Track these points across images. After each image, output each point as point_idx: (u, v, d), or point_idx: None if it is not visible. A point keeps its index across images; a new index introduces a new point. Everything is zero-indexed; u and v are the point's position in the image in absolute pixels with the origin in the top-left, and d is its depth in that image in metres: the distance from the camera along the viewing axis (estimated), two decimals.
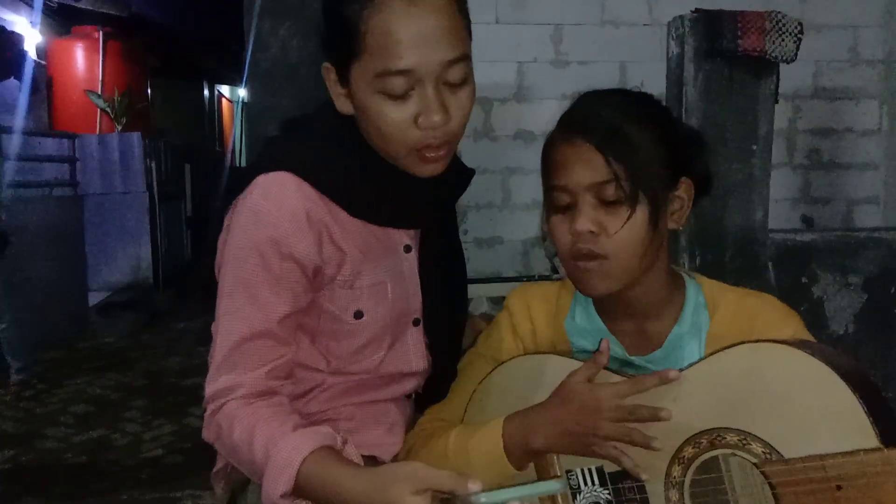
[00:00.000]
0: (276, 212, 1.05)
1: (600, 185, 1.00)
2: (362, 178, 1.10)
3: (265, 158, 1.14)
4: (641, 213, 1.01)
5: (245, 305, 1.07)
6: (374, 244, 1.14)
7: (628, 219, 1.00)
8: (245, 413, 1.04)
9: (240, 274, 1.07)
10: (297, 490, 0.97)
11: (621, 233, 1.01)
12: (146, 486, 2.86)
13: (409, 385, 1.23)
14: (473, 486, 0.84)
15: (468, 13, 1.06)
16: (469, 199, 3.99)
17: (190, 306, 6.01)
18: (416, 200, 1.14)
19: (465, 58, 1.03)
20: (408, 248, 1.19)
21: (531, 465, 1.06)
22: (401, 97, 1.00)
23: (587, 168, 1.01)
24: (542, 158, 1.09)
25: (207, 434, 1.09)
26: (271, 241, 1.05)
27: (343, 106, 1.08)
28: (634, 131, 1.01)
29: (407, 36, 0.97)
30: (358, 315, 1.14)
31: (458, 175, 1.23)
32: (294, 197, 1.06)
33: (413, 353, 1.21)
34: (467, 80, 1.04)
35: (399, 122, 1.02)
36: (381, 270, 1.15)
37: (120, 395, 4.07)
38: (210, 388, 1.08)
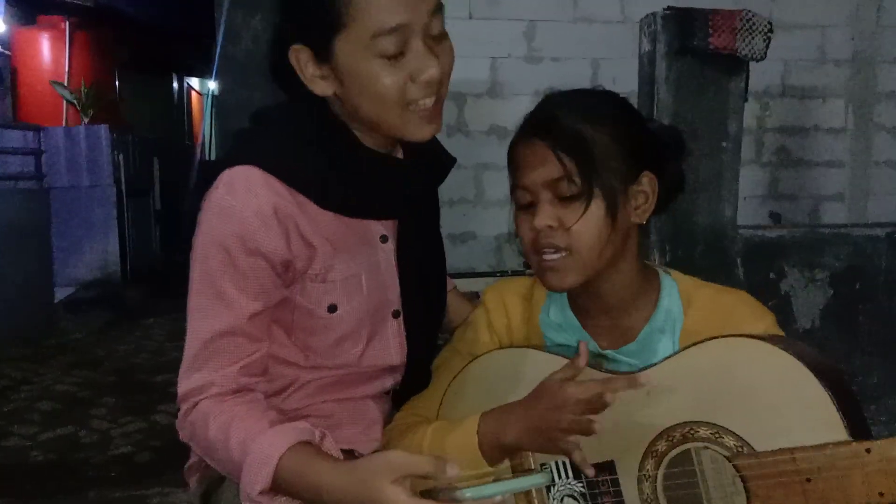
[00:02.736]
0: (242, 207, 1.03)
1: (555, 182, 1.04)
2: (334, 168, 1.09)
3: (232, 152, 1.12)
4: (597, 206, 1.04)
5: (213, 303, 1.05)
6: (347, 236, 1.12)
7: (584, 213, 1.03)
8: (219, 410, 1.03)
9: (207, 271, 1.05)
10: (276, 486, 0.96)
11: (578, 226, 1.04)
12: (115, 484, 2.82)
13: (389, 381, 1.22)
14: (451, 469, 0.85)
15: None
16: (442, 195, 3.98)
17: (159, 302, 5.93)
18: (392, 190, 1.13)
19: (443, 6, 1.04)
20: (384, 239, 1.17)
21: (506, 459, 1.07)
22: (394, 57, 1.00)
23: (542, 166, 1.04)
24: (507, 158, 1.12)
25: (182, 434, 1.08)
26: (237, 236, 1.03)
27: (321, 88, 1.06)
28: (588, 129, 1.04)
29: None
30: (331, 309, 1.12)
31: (438, 162, 1.22)
32: (260, 191, 1.04)
33: (393, 346, 1.20)
34: (445, 32, 1.06)
35: (396, 81, 1.01)
36: (354, 263, 1.13)
37: (88, 392, 4.00)
38: (182, 387, 1.06)
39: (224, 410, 1.03)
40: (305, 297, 1.12)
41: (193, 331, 1.06)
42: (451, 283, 1.39)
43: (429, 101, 1.04)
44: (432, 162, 1.12)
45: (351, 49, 1.01)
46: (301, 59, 1.05)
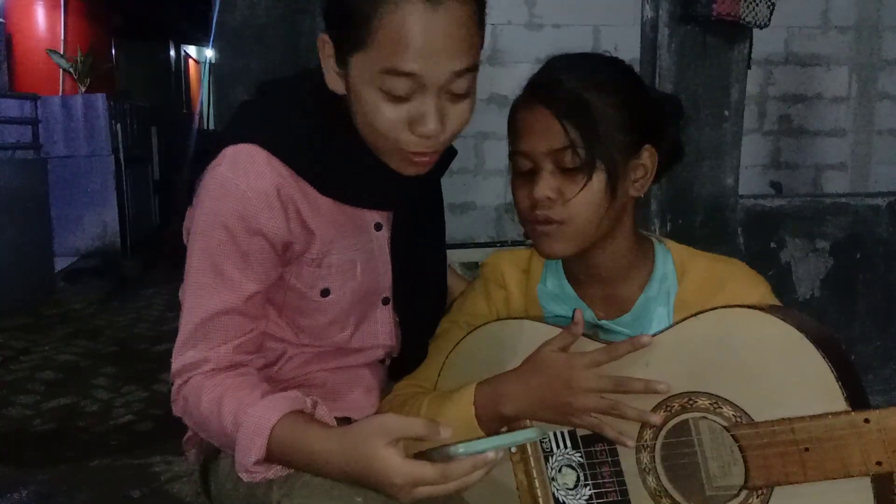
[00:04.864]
0: (245, 186, 1.02)
1: (558, 152, 1.01)
2: (337, 156, 1.07)
3: (236, 126, 1.11)
4: (598, 180, 1.02)
5: (212, 282, 1.04)
6: (344, 222, 1.11)
7: (584, 186, 1.01)
8: (211, 384, 1.03)
9: (207, 248, 1.04)
10: (270, 456, 0.96)
11: (577, 199, 1.02)
12: (117, 453, 2.84)
13: (380, 353, 1.22)
14: (445, 431, 0.85)
15: (485, 22, 1.02)
16: None
17: (158, 272, 5.95)
18: (391, 183, 1.10)
19: (474, 69, 0.99)
20: (378, 227, 1.16)
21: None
22: (401, 98, 0.97)
23: (545, 135, 1.02)
24: (508, 122, 1.09)
25: (175, 409, 1.08)
26: (239, 215, 1.02)
27: (334, 84, 1.04)
28: (595, 98, 1.01)
29: (421, 40, 0.93)
30: (324, 293, 1.12)
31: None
32: (263, 172, 1.03)
33: (382, 331, 1.20)
34: (470, 91, 1.01)
35: (393, 121, 0.98)
36: (350, 249, 1.12)
37: (89, 361, 4.02)
38: (176, 362, 1.06)
39: (216, 384, 1.03)
40: (300, 279, 1.11)
41: (190, 308, 1.06)
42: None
43: (419, 151, 1.01)
44: None
45: (362, 71, 0.97)
46: (325, 50, 1.03)
